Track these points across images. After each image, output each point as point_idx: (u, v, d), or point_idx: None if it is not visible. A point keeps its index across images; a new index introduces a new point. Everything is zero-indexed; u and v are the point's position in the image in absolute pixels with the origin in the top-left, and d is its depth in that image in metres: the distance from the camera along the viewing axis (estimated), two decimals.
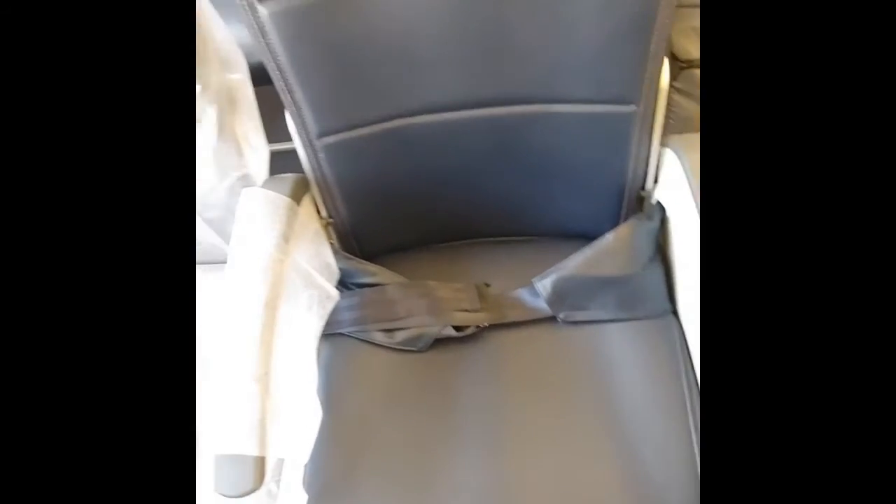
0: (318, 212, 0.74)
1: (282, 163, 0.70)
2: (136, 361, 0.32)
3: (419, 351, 0.71)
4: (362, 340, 0.72)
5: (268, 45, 0.55)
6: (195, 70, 0.58)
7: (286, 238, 0.62)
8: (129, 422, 0.32)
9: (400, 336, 0.71)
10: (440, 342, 0.71)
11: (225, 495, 0.48)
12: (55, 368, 0.30)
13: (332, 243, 0.76)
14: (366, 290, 0.74)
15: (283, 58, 0.57)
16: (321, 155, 0.67)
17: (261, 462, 0.49)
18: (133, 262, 0.32)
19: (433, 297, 0.73)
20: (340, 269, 0.75)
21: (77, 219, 0.31)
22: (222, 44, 0.62)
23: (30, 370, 0.30)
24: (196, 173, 0.38)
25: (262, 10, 0.53)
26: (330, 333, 0.72)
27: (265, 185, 0.67)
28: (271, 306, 0.57)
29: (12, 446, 0.29)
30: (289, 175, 0.70)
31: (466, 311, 0.72)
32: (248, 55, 0.66)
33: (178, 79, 0.33)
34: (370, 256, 0.79)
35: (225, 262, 0.83)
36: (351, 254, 0.77)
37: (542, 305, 0.71)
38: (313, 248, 0.70)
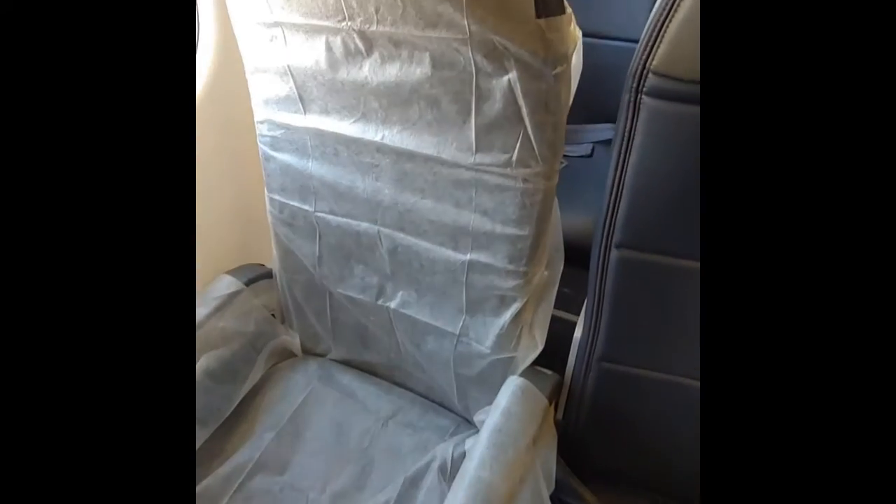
0: (555, 412, 0.75)
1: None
2: (134, 365, 0.32)
3: None
4: None
5: (601, 279, 0.61)
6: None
7: (535, 441, 0.64)
8: (125, 432, 0.31)
9: None
10: None
11: None
12: (54, 369, 0.31)
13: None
14: None
15: (609, 290, 0.62)
16: (592, 373, 0.69)
17: None
18: (132, 263, 0.32)
19: None
20: (557, 480, 0.74)
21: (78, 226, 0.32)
22: (554, 242, 0.68)
23: (28, 373, 0.30)
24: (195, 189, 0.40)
25: (615, 254, 0.59)
26: None
27: (527, 374, 0.71)
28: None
29: (11, 448, 0.29)
30: (549, 373, 0.73)
31: None
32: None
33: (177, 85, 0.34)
34: (585, 475, 0.77)
35: (445, 406, 0.89)
36: (568, 464, 0.76)
37: None
38: (546, 452, 0.70)
